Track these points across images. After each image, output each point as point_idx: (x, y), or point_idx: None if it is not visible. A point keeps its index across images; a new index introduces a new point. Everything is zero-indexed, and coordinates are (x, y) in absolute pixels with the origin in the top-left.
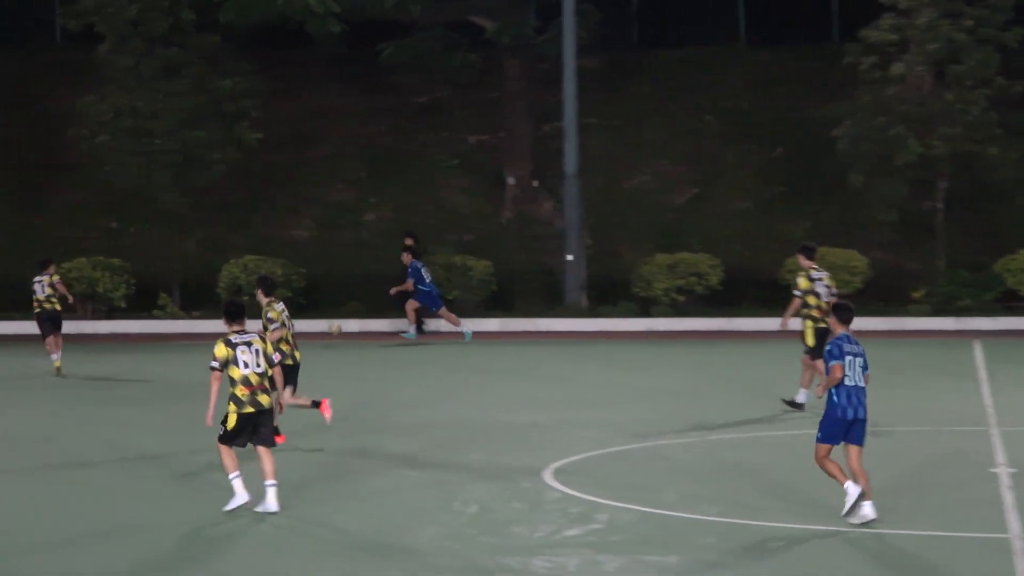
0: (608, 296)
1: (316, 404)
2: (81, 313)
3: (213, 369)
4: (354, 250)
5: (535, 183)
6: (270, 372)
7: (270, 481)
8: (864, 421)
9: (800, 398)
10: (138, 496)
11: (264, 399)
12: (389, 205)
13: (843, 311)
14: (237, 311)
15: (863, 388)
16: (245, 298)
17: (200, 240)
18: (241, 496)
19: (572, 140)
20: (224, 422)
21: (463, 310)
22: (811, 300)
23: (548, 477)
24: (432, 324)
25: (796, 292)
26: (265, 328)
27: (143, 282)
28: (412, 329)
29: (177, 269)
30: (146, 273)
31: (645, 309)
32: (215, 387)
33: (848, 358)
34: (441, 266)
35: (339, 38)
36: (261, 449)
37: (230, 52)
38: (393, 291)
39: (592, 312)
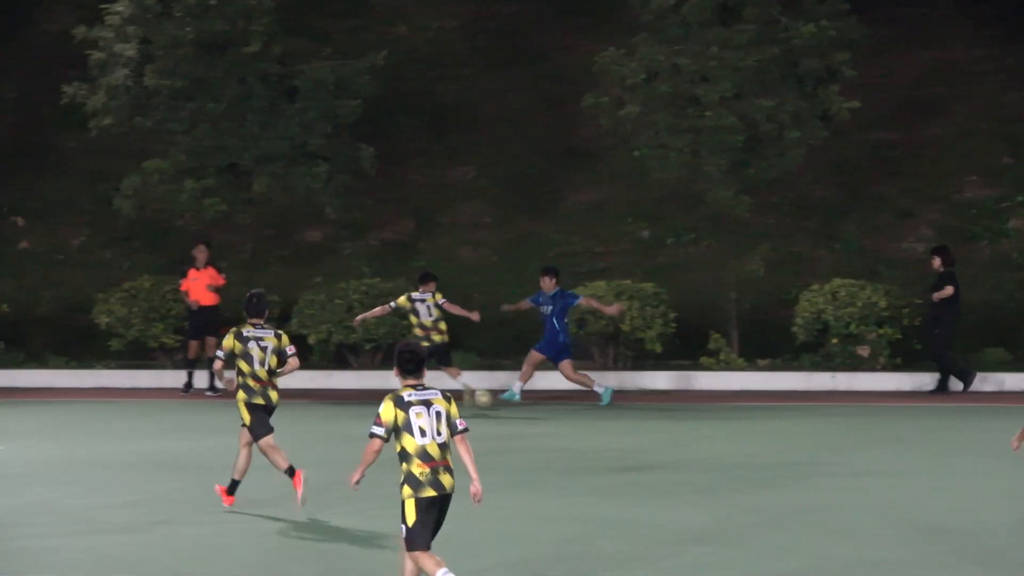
0: None
1: (291, 472)
2: (600, 361)
3: (373, 436)
4: (990, 271)
5: None
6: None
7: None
8: None
9: None
10: None
11: (447, 479)
12: None
13: None
14: (412, 359)
15: None
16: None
17: (769, 256)
18: None
19: None
20: (403, 519)
21: None
22: None
23: None
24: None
25: None
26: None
27: (687, 316)
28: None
29: (736, 298)
30: (691, 303)
31: None
32: (369, 456)
33: None
34: None
35: None
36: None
37: None
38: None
39: None
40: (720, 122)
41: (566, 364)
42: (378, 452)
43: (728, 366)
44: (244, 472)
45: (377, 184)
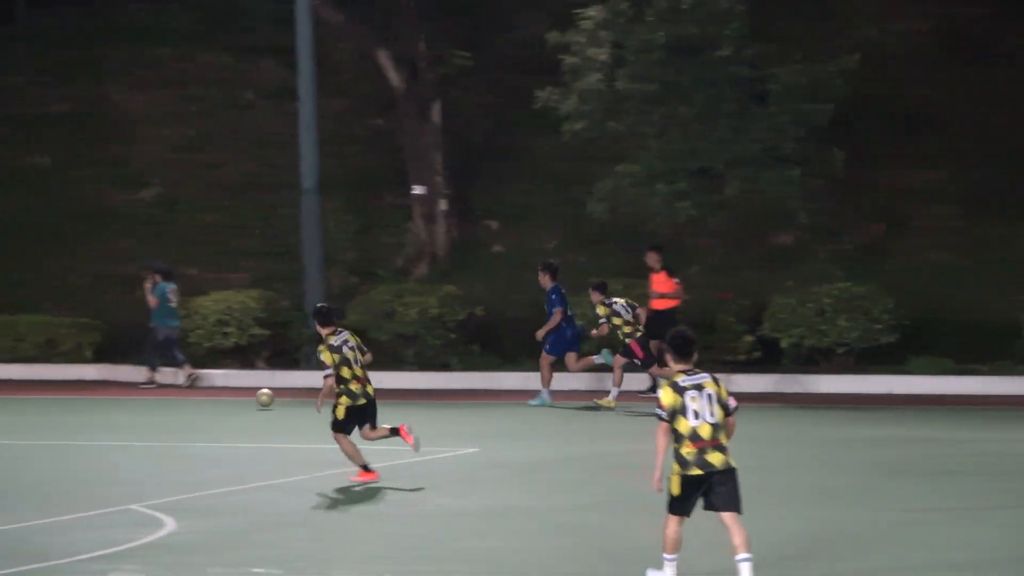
0: None
1: (395, 431)
2: None
3: (660, 419)
4: None
5: None
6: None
7: (742, 555)
8: None
9: None
10: None
11: (715, 457)
12: None
13: None
14: (685, 344)
15: None
16: None
17: None
18: None
19: None
20: (669, 489)
21: None
22: None
23: None
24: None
25: None
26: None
27: None
28: (545, 393)
29: None
30: None
31: None
32: (662, 442)
33: None
34: None
35: None
36: (727, 516)
37: None
38: (540, 334)
39: None
40: None
41: (571, 356)
42: (668, 436)
43: None
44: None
45: (847, 187)
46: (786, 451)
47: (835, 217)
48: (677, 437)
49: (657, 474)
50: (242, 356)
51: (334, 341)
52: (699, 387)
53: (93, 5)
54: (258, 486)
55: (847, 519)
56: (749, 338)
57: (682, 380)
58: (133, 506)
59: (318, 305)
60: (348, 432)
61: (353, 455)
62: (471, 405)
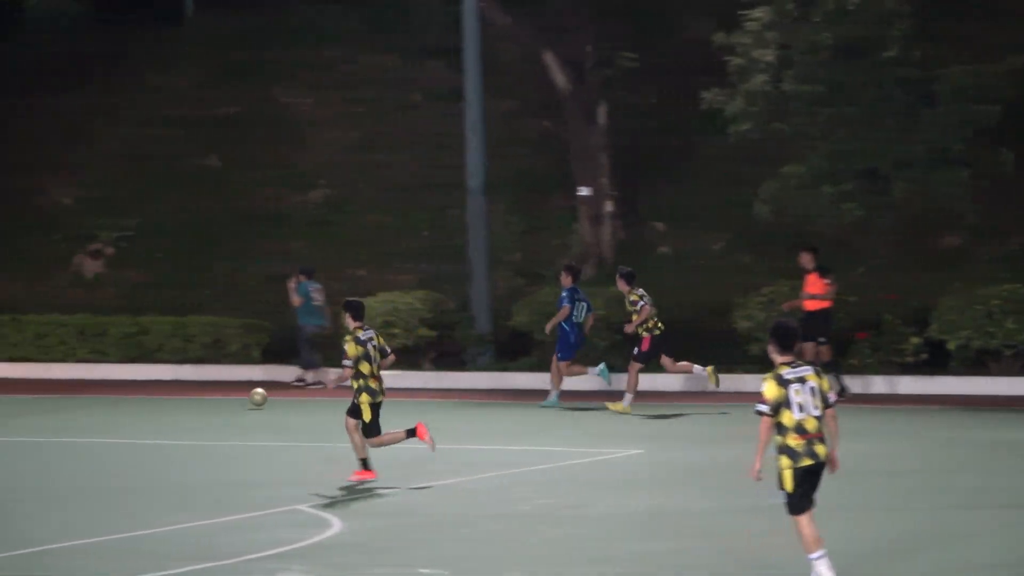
0: None
1: (411, 433)
2: None
3: (762, 414)
4: None
5: None
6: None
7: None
8: None
9: None
10: None
11: (821, 449)
12: None
13: None
14: (787, 336)
15: None
16: None
17: None
18: None
19: None
20: (780, 486)
21: None
22: None
23: None
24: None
25: None
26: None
27: None
28: (554, 394)
29: None
30: None
31: None
32: (765, 436)
33: None
34: None
35: None
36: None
37: None
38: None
39: None
40: None
41: (564, 364)
42: (771, 430)
43: None
44: (365, 448)
45: (1015, 188)
46: (947, 453)
47: (1003, 218)
48: (781, 429)
49: (757, 465)
50: (408, 357)
51: (361, 335)
52: (802, 380)
53: (261, 7)
54: (421, 487)
55: (986, 517)
56: (916, 340)
57: (786, 373)
58: (300, 507)
59: (351, 299)
60: (377, 433)
61: (359, 448)
62: (636, 406)
